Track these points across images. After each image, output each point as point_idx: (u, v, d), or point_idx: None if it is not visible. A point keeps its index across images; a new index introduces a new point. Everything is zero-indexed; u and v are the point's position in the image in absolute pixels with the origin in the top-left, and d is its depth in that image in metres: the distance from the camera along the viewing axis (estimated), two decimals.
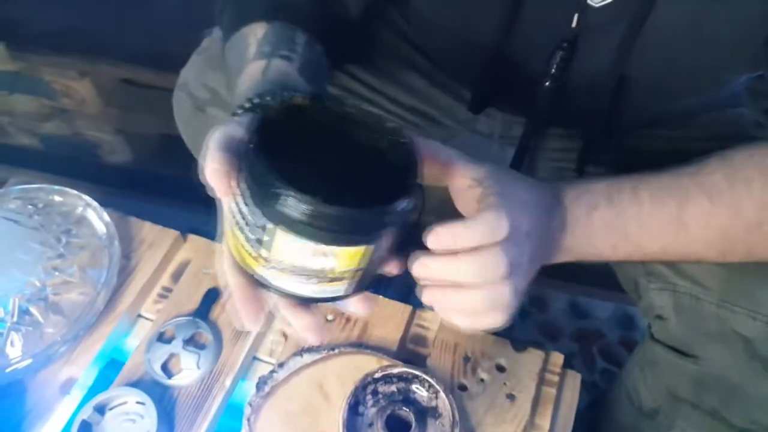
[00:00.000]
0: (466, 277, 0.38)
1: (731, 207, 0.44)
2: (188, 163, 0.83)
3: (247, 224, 0.36)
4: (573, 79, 0.52)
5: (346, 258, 0.36)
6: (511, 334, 1.07)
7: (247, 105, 0.45)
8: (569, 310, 1.13)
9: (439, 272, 0.39)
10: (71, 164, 1.51)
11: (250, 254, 0.37)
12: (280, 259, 0.36)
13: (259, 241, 0.36)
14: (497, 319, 0.40)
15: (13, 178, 0.93)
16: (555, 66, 0.52)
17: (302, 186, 0.33)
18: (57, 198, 0.73)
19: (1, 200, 0.67)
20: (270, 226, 0.34)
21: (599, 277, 1.13)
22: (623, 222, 0.44)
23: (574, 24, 0.49)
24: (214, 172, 0.37)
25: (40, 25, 1.22)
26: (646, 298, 0.60)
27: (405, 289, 0.70)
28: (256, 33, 0.53)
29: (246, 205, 0.35)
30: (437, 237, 0.38)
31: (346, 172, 0.38)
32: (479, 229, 0.38)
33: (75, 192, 0.73)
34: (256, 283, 0.39)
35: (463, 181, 0.42)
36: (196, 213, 1.22)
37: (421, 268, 0.40)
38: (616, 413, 0.76)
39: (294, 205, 0.33)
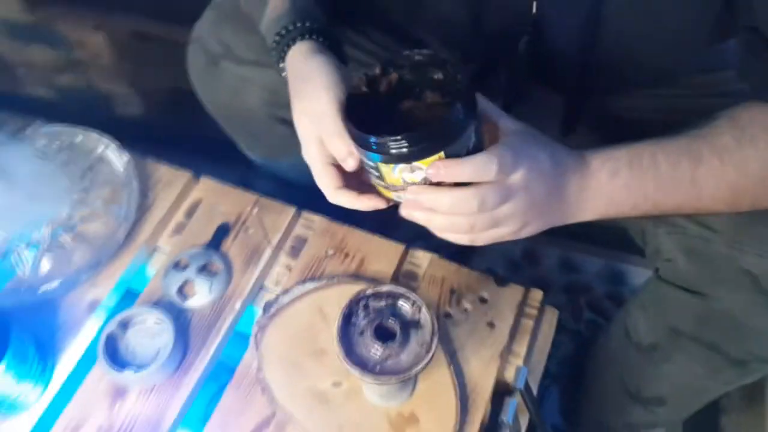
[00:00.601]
0: (441, 206, 0.45)
1: (739, 165, 0.49)
2: (198, 116, 0.88)
3: (370, 169, 0.47)
4: (547, 41, 0.57)
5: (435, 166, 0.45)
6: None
7: (284, 33, 0.55)
8: (560, 264, 1.19)
9: (424, 198, 0.45)
10: (85, 116, 1.55)
11: (382, 187, 0.49)
12: (394, 184, 0.47)
13: (380, 177, 0.47)
14: (457, 239, 0.48)
15: (30, 127, 0.99)
16: (523, 42, 0.57)
17: (380, 132, 0.44)
18: (79, 138, 0.79)
19: (30, 139, 0.72)
20: (375, 164, 0.46)
21: (591, 234, 1.19)
22: (642, 184, 0.50)
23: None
24: (339, 142, 0.48)
25: None
26: (653, 243, 0.65)
27: (410, 235, 0.76)
28: None
29: (363, 156, 0.47)
30: (436, 169, 0.44)
31: (413, 114, 0.46)
32: (467, 167, 0.44)
33: (96, 133, 0.79)
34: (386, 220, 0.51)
35: (497, 131, 0.48)
36: (204, 164, 1.29)
37: (411, 195, 0.46)
38: (610, 350, 0.82)
39: (378, 145, 0.44)
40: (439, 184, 0.45)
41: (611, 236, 0.97)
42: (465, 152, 0.45)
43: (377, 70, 0.48)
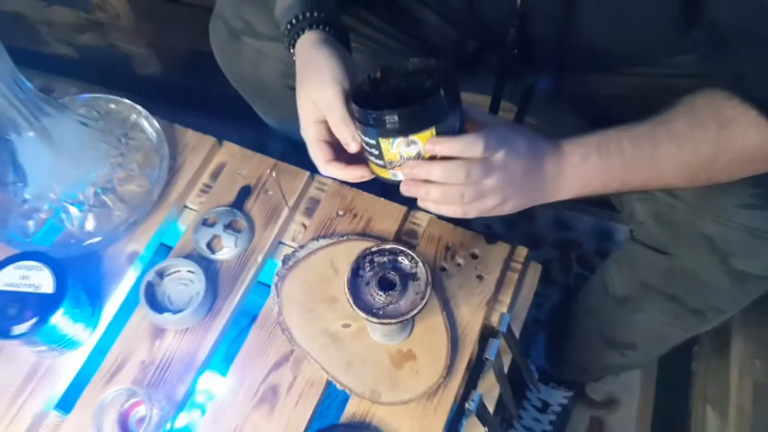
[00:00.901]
0: (433, 175, 0.53)
1: (693, 148, 0.57)
2: (214, 76, 0.95)
3: (368, 147, 0.54)
4: (531, 30, 0.64)
5: (424, 140, 0.53)
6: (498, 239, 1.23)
7: (295, 21, 0.62)
8: (553, 222, 1.28)
9: (419, 170, 0.54)
10: (105, 74, 1.61)
11: (379, 166, 0.56)
12: (391, 160, 0.54)
13: (380, 156, 0.54)
14: (450, 211, 0.56)
15: (52, 84, 1.05)
16: (511, 34, 0.64)
17: (380, 109, 0.51)
18: (113, 106, 0.87)
19: (72, 106, 0.80)
20: (374, 141, 0.53)
21: None
22: (610, 167, 0.58)
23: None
24: (344, 128, 0.56)
25: None
26: (629, 207, 0.74)
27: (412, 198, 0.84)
28: None
29: (362, 135, 0.54)
30: (432, 144, 0.53)
31: (408, 98, 0.54)
32: (459, 142, 0.53)
33: (129, 102, 0.87)
34: (389, 186, 0.58)
35: (479, 125, 0.56)
36: (220, 122, 1.37)
37: (407, 168, 0.54)
38: (590, 301, 0.91)
39: (378, 120, 0.51)
40: (432, 159, 0.54)
41: (600, 198, 1.06)
42: (453, 133, 0.53)
43: (378, 74, 0.55)
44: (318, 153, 0.59)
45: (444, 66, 0.54)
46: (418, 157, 0.54)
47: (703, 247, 0.66)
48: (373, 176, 0.58)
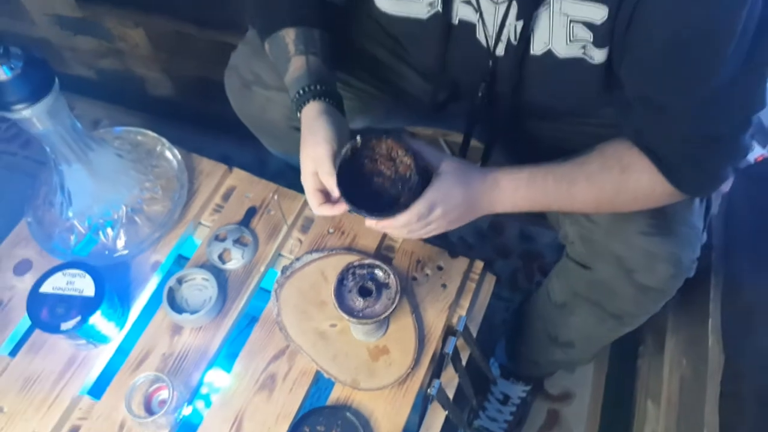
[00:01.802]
0: (387, 231, 0.71)
1: (601, 185, 0.74)
2: (220, 100, 1.09)
3: None
4: (494, 85, 0.80)
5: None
6: (470, 251, 1.41)
7: (300, 94, 0.77)
8: (519, 235, 1.44)
9: (378, 227, 0.72)
10: (121, 94, 1.77)
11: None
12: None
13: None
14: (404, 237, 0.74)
15: (72, 102, 1.17)
16: (482, 89, 0.80)
17: (357, 200, 0.69)
18: (141, 138, 1.03)
19: (108, 139, 0.96)
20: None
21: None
22: (535, 196, 0.75)
23: (490, 63, 0.76)
24: (330, 180, 0.71)
25: None
26: (563, 229, 0.90)
27: None
28: (289, 35, 0.82)
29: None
30: (380, 227, 0.71)
31: (374, 181, 0.73)
32: (398, 222, 0.70)
33: (155, 134, 1.03)
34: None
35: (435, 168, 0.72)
36: (225, 141, 1.53)
37: (371, 225, 0.72)
38: (538, 306, 1.07)
39: (352, 210, 0.69)
40: None
41: None
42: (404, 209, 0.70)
43: (358, 144, 0.70)
44: (312, 199, 0.75)
45: (408, 147, 0.70)
46: None
47: (614, 264, 0.82)
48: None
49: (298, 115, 0.78)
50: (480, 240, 1.43)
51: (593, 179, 0.73)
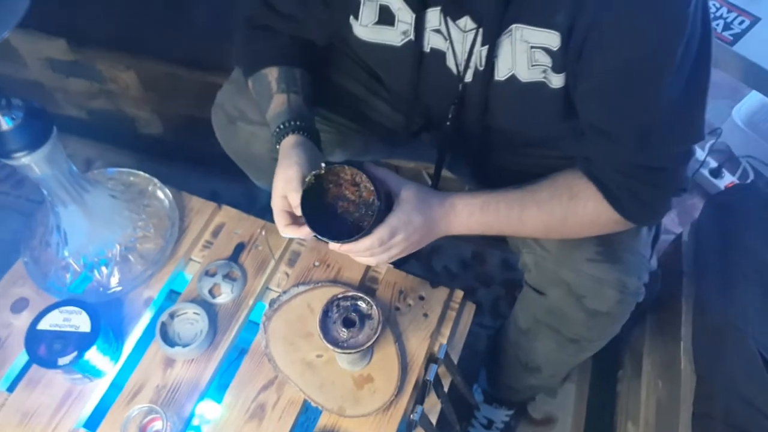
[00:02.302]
0: (351, 254, 0.75)
1: (550, 211, 0.79)
2: (208, 138, 1.14)
3: None
4: (462, 113, 0.85)
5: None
6: (454, 280, 1.45)
7: (280, 128, 0.83)
8: (501, 264, 1.49)
9: (341, 250, 0.76)
10: (111, 133, 1.81)
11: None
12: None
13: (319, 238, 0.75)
14: (368, 263, 0.79)
15: (63, 142, 1.18)
16: (451, 112, 0.85)
17: (320, 225, 0.73)
18: (133, 179, 1.07)
19: (102, 181, 1.01)
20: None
21: None
22: (488, 221, 0.80)
23: (459, 88, 0.81)
24: (296, 197, 0.76)
25: (95, 29, 1.51)
26: (522, 259, 0.95)
27: None
28: (272, 73, 0.88)
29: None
30: (342, 249, 0.75)
31: (338, 206, 0.77)
32: (360, 246, 0.74)
33: (146, 175, 1.07)
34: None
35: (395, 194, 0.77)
36: (214, 178, 1.58)
37: (335, 249, 0.76)
38: (508, 333, 1.11)
39: (316, 236, 0.73)
40: None
41: None
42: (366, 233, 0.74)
43: (322, 171, 0.75)
44: (279, 219, 0.80)
45: (368, 177, 0.75)
46: None
47: (565, 290, 0.86)
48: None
49: (277, 147, 0.83)
50: (463, 269, 1.48)
51: (543, 205, 0.78)
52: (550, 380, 1.13)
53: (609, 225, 0.79)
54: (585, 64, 0.68)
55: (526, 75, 0.74)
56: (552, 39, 0.69)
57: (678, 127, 0.71)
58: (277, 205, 0.80)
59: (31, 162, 0.80)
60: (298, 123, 0.83)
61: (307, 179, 0.75)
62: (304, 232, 0.78)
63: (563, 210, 0.78)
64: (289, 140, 0.82)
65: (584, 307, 0.86)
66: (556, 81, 0.73)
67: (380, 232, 0.74)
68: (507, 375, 1.16)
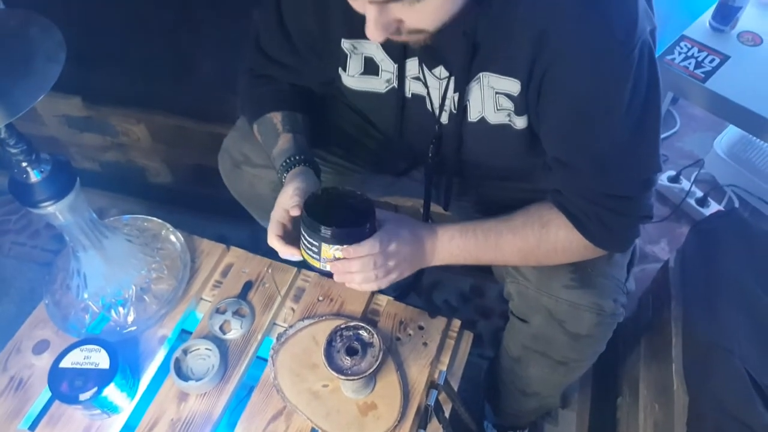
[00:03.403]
0: (353, 269, 0.80)
1: (524, 239, 0.85)
2: (215, 185, 1.21)
3: (312, 246, 0.78)
4: (442, 148, 0.92)
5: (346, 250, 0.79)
6: (454, 313, 1.50)
7: (287, 161, 0.90)
8: (499, 296, 1.54)
9: (344, 267, 0.80)
10: (122, 183, 1.89)
11: (312, 258, 0.80)
12: (326, 256, 0.79)
13: (317, 252, 0.78)
14: (371, 287, 0.82)
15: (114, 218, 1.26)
16: (431, 149, 0.92)
17: (325, 224, 0.76)
18: (147, 224, 1.14)
19: (119, 227, 1.08)
20: (317, 243, 0.77)
21: None
22: (468, 247, 0.86)
23: (436, 128, 0.89)
24: (292, 195, 0.82)
25: (108, 87, 1.60)
26: (506, 287, 1.00)
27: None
28: (276, 117, 0.96)
29: (306, 237, 0.78)
30: (347, 253, 0.79)
31: (341, 215, 0.80)
32: (363, 248, 0.79)
33: (159, 220, 1.14)
34: (312, 269, 0.83)
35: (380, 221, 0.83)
36: (221, 222, 1.65)
37: (336, 268, 0.81)
38: (502, 363, 1.15)
39: (323, 233, 0.76)
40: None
41: None
42: (368, 235, 0.80)
43: (319, 192, 0.81)
44: (273, 228, 0.84)
45: (365, 198, 0.81)
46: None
47: (546, 316, 0.91)
48: (300, 259, 0.82)
49: (283, 179, 0.90)
50: (463, 302, 1.53)
51: (516, 232, 0.85)
52: (550, 400, 1.17)
53: (580, 251, 0.85)
54: (543, 107, 0.76)
55: (493, 117, 0.82)
56: (513, 86, 0.77)
57: (632, 157, 0.77)
58: (276, 213, 0.84)
59: (56, 210, 0.87)
60: (302, 157, 0.91)
61: (313, 192, 0.81)
62: (290, 250, 0.81)
63: (536, 237, 0.84)
64: (295, 171, 0.89)
65: (566, 330, 0.90)
66: (520, 123, 0.81)
67: (379, 236, 0.79)
68: (509, 403, 1.19)
